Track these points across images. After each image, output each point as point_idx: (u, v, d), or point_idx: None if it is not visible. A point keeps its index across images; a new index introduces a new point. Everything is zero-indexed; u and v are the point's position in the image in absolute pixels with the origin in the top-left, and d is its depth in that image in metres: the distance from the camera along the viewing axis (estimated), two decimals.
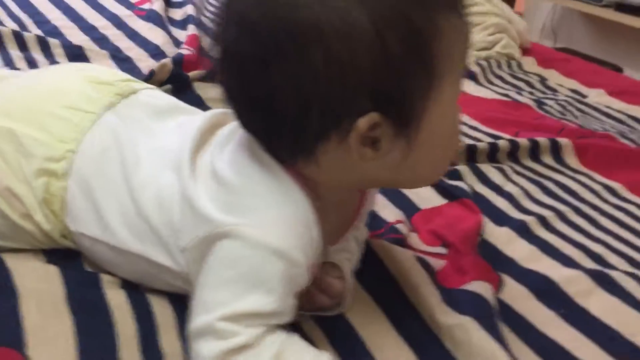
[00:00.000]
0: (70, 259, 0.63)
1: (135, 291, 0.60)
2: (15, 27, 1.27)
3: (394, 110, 0.47)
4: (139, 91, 0.68)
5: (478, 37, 1.54)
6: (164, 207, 0.55)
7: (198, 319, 0.49)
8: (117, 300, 0.58)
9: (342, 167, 0.50)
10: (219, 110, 0.61)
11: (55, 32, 1.31)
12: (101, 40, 1.31)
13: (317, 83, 0.45)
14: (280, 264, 0.49)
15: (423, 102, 0.48)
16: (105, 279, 0.61)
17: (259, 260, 0.49)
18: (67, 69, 0.80)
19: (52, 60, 1.14)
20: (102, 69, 0.72)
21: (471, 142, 1.03)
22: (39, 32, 1.27)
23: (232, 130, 0.56)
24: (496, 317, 0.61)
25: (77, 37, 1.31)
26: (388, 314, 0.62)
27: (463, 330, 0.58)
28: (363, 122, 0.46)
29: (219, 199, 0.51)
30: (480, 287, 0.64)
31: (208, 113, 0.62)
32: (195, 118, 0.62)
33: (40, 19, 1.38)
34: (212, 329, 0.48)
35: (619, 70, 2.66)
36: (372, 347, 0.58)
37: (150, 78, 1.04)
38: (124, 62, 1.21)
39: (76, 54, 1.18)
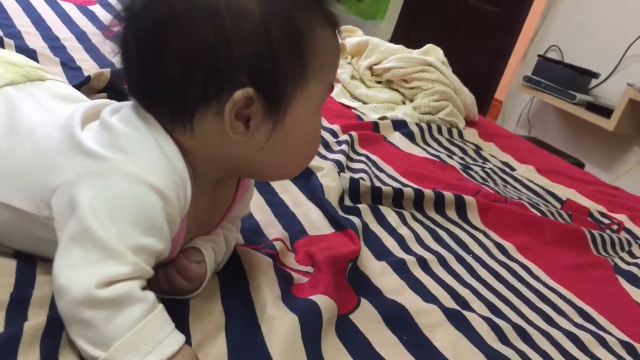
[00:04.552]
0: None
1: None
2: None
3: (267, 91, 0.55)
4: (47, 80, 0.73)
5: (423, 101, 1.61)
6: (39, 153, 0.58)
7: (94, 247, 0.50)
8: None
9: (216, 140, 0.57)
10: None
11: (16, 36, 1.36)
12: (58, 49, 1.37)
13: (206, 53, 0.53)
14: (160, 201, 0.53)
15: (292, 90, 0.56)
16: None
17: (142, 194, 0.53)
18: None
19: None
20: (18, 55, 0.77)
21: (378, 185, 1.07)
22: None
23: (121, 104, 0.61)
24: (321, 325, 0.63)
25: (36, 42, 1.36)
26: (224, 302, 0.66)
27: (281, 322, 0.61)
28: (239, 94, 0.54)
29: (103, 140, 0.56)
30: (320, 299, 0.67)
31: (101, 100, 0.67)
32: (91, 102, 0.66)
33: (6, 23, 1.44)
34: (114, 253, 0.50)
35: (580, 165, 2.75)
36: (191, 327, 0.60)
37: (86, 83, 1.08)
38: (73, 70, 1.25)
39: (27, 56, 1.22)
